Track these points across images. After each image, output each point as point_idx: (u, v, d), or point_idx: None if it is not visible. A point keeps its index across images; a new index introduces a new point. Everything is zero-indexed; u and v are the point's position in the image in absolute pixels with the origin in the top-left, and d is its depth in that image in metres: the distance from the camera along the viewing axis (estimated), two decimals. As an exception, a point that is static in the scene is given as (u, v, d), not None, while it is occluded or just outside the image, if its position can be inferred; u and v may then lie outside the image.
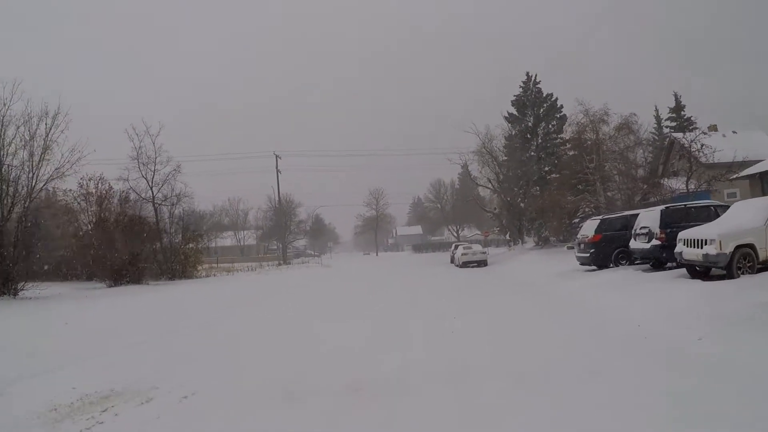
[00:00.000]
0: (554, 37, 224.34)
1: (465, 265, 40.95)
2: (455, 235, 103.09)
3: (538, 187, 52.17)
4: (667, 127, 65.71)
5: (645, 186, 37.92)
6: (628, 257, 21.16)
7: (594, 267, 22.43)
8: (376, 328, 12.77)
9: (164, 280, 37.59)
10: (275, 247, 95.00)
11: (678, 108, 66.66)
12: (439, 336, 11.26)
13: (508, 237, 56.39)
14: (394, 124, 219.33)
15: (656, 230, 17.94)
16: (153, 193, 40.39)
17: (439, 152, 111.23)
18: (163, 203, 40.83)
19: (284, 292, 25.85)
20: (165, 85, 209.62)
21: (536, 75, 56.33)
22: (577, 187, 41.47)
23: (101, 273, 32.87)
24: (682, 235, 15.40)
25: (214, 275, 43.99)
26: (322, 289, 26.75)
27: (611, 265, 21.52)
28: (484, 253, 42.38)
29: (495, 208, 58.26)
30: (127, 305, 21.51)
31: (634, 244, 19.36)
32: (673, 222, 17.81)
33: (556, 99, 54.74)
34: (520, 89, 56.73)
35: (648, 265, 19.60)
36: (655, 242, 17.92)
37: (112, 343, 12.29)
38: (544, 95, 55.48)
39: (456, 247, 48.44)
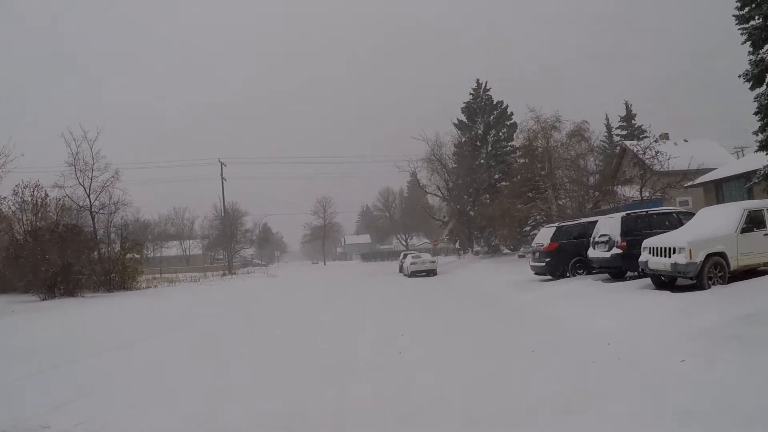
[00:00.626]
0: (505, 51, 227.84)
1: (414, 274, 39.70)
2: (404, 243, 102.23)
3: (487, 195, 51.49)
4: (617, 135, 66.40)
5: (597, 193, 37.42)
6: (586, 267, 20.07)
7: (549, 277, 21.42)
8: (312, 353, 11.10)
9: (102, 291, 35.79)
10: (222, 256, 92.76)
11: (629, 116, 67.22)
12: (387, 360, 9.78)
13: (457, 245, 55.47)
14: (345, 133, 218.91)
15: (617, 238, 16.89)
16: (90, 201, 38.42)
17: (387, 160, 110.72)
18: (101, 212, 38.82)
19: (222, 307, 23.79)
20: (107, 90, 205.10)
21: (486, 82, 55.97)
22: (527, 195, 40.64)
23: (33, 285, 30.99)
24: (648, 243, 14.39)
25: (156, 286, 41.97)
26: (264, 303, 24.91)
27: (568, 275, 20.39)
28: (434, 262, 41.18)
29: (444, 217, 57.30)
30: (46, 322, 19.80)
31: (593, 253, 18.28)
32: (634, 229, 16.87)
33: (507, 106, 54.33)
34: (470, 96, 56.25)
35: (606, 275, 18.69)
36: (615, 251, 16.86)
37: (15, 370, 10.67)
38: (495, 102, 55.05)
39: (405, 256, 47.14)
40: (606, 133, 65.57)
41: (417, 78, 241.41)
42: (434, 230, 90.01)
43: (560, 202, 39.07)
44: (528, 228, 40.47)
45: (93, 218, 38.29)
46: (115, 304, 27.03)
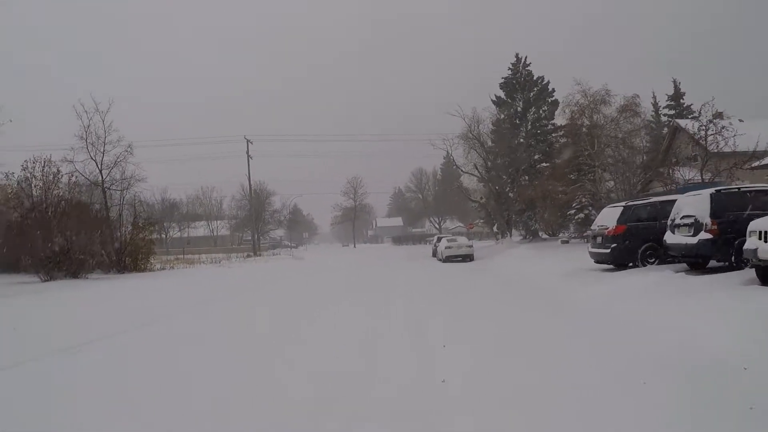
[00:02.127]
0: (548, 25, 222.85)
1: (449, 259, 36.65)
2: (437, 227, 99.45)
3: (527, 177, 48.27)
4: (665, 115, 62.35)
5: (648, 174, 34.29)
6: (658, 255, 16.85)
7: (610, 266, 18.35)
8: (303, 379, 7.39)
9: (114, 273, 33.47)
10: (250, 237, 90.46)
11: (677, 95, 63.17)
12: (422, 397, 6.26)
13: (495, 229, 52.19)
14: (377, 113, 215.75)
15: (706, 220, 13.50)
16: (102, 177, 35.91)
17: (422, 138, 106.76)
18: (112, 188, 36.32)
19: (227, 293, 20.84)
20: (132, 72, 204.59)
21: (526, 57, 52.55)
22: (569, 177, 37.40)
23: (35, 265, 28.74)
24: (757, 225, 11.13)
25: (172, 268, 39.47)
26: (283, 290, 21.73)
27: (635, 265, 17.14)
28: (470, 246, 37.97)
29: (481, 198, 53.97)
30: (28, 307, 17.51)
31: (673, 238, 14.93)
32: (727, 209, 13.58)
33: (548, 82, 51.09)
34: (509, 71, 52.92)
35: (685, 266, 15.52)
36: (704, 235, 13.48)
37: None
38: (535, 78, 51.71)
39: (439, 239, 44.06)
40: (653, 112, 61.65)
41: (454, 54, 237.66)
42: (469, 213, 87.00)
43: (609, 184, 35.98)
44: (572, 212, 37.18)
45: (105, 194, 35.73)
46: (115, 287, 24.48)
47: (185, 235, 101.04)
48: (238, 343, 10.22)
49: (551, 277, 18.84)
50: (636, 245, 17.07)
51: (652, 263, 16.93)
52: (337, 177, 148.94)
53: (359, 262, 44.39)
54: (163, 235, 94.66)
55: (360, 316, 13.10)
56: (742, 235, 12.37)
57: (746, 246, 11.29)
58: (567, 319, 11.08)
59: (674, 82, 64.04)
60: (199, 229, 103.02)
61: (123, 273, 33.63)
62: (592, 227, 19.46)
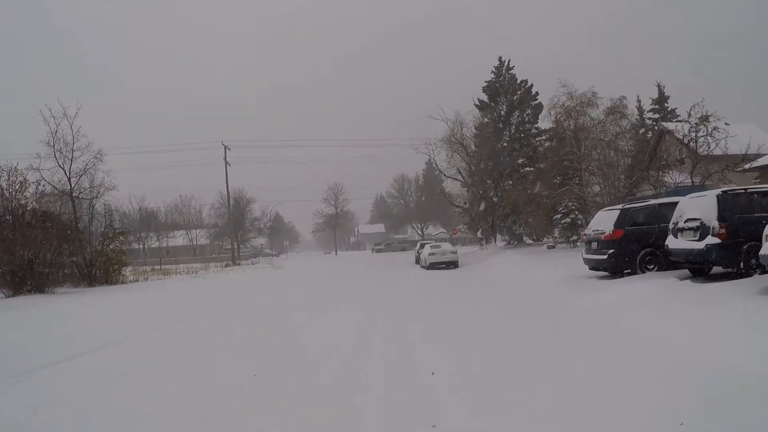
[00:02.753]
0: (532, 29, 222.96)
1: (433, 266, 35.61)
2: (419, 233, 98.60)
3: (510, 181, 47.59)
4: (649, 119, 61.40)
5: (635, 177, 33.50)
6: (657, 261, 15.85)
7: (606, 273, 17.35)
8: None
9: (84, 286, 32.06)
10: (230, 246, 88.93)
11: (661, 99, 62.74)
12: None
13: (479, 235, 51.16)
14: (359, 120, 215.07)
15: (713, 223, 12.49)
16: (71, 185, 34.40)
17: (403, 144, 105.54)
18: (80, 196, 34.70)
19: (191, 310, 18.51)
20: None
21: (509, 60, 52.19)
22: (554, 181, 36.62)
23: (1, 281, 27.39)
24: (775, 229, 10.24)
25: (146, 279, 38.00)
26: (254, 304, 20.31)
27: (633, 271, 16.07)
28: (455, 252, 36.85)
29: (465, 203, 52.98)
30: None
31: (676, 243, 13.87)
32: (734, 211, 12.59)
33: (531, 86, 50.67)
34: (492, 75, 52.32)
35: (687, 273, 14.57)
36: (711, 240, 12.46)
37: None
38: (518, 81, 51.16)
39: (422, 246, 42.83)
40: (638, 116, 60.94)
41: (435, 60, 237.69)
42: (451, 219, 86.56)
43: (595, 188, 35.15)
44: (558, 216, 36.29)
45: (74, 203, 34.24)
46: (73, 304, 22.66)
47: (164, 245, 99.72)
48: (255, 336, 9.36)
49: (545, 285, 17.67)
50: (634, 251, 15.97)
51: (652, 269, 15.88)
52: (319, 184, 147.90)
53: (340, 270, 43.10)
54: (140, 246, 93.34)
55: (351, 328, 12.08)
56: (751, 239, 11.49)
57: (762, 251, 10.32)
58: (569, 334, 9.93)
59: (658, 85, 63.67)
60: (179, 239, 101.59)
61: (93, 286, 32.13)
62: (586, 232, 18.35)
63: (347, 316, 14.67)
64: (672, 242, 14.04)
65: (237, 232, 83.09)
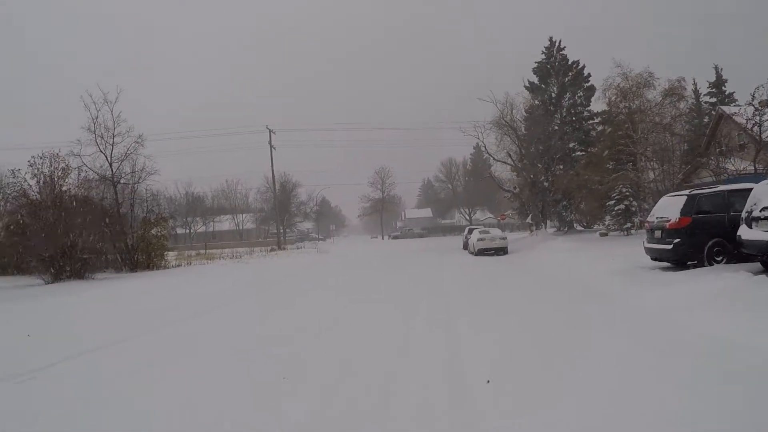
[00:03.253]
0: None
1: (481, 252, 34.48)
2: (467, 218, 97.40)
3: (561, 166, 46.29)
4: (705, 102, 59.09)
5: (692, 163, 32.21)
6: (726, 252, 14.65)
7: (668, 264, 16.24)
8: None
9: (126, 271, 32.12)
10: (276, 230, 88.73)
11: (719, 82, 60.20)
12: None
13: (528, 220, 49.82)
14: (406, 102, 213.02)
15: (801, 211, 11.37)
16: (112, 170, 34.22)
17: (451, 127, 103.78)
18: (121, 181, 34.75)
19: (230, 297, 17.80)
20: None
21: (560, 41, 50.29)
22: (606, 166, 35.17)
23: (37, 266, 27.61)
24: None
25: (188, 264, 37.75)
26: (293, 292, 19.23)
27: (700, 263, 14.83)
28: (504, 239, 35.77)
29: (514, 187, 51.65)
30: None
31: (750, 234, 12.61)
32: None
33: (583, 67, 48.73)
34: (543, 56, 50.59)
35: (755, 265, 13.32)
36: (799, 231, 11.35)
37: None
38: (570, 62, 49.31)
39: (470, 231, 41.83)
40: (694, 100, 58.81)
41: (486, 41, 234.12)
42: (499, 204, 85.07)
43: (652, 173, 33.78)
44: (612, 202, 34.87)
45: (115, 189, 34.02)
46: (111, 290, 22.50)
47: (210, 229, 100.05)
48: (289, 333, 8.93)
49: (601, 276, 16.58)
50: (702, 241, 14.72)
51: (720, 262, 14.66)
52: (365, 168, 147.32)
53: (386, 255, 42.42)
54: (187, 230, 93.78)
55: (380, 331, 10.69)
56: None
57: None
58: (636, 338, 8.74)
59: (716, 68, 61.20)
60: (225, 223, 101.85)
61: (135, 271, 32.29)
62: (648, 219, 16.99)
63: (389, 307, 13.67)
64: (745, 233, 12.80)
65: (283, 217, 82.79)
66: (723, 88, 59.98)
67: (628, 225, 34.78)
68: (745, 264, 13.57)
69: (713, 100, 58.65)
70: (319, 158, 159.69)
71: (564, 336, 9.31)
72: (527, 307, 12.80)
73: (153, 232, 34.51)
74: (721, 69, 60.73)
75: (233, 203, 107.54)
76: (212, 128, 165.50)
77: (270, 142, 59.67)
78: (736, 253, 14.08)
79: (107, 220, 31.45)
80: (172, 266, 35.31)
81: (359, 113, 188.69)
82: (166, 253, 36.24)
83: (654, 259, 16.56)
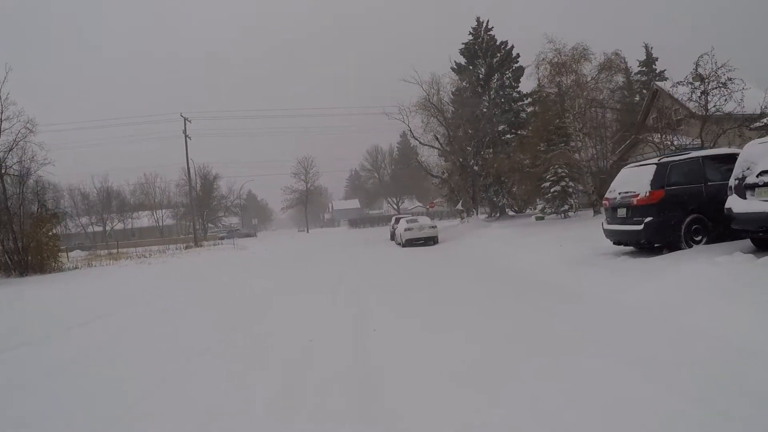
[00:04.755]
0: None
1: (409, 243, 31.53)
2: (395, 207, 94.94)
3: (491, 149, 43.94)
4: (636, 81, 57.89)
5: (630, 139, 31.77)
6: (706, 230, 12.14)
7: (634, 249, 13.70)
8: None
9: (15, 275, 28.20)
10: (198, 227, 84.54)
11: (649, 61, 59.46)
12: None
13: (459, 207, 47.37)
14: (331, 91, 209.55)
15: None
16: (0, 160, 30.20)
17: (376, 112, 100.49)
18: (7, 172, 30.19)
19: (104, 313, 13.19)
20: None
21: (488, 21, 48.39)
22: (538, 147, 33.53)
23: None
24: None
25: (89, 266, 33.89)
26: (188, 299, 15.65)
27: (677, 245, 12.07)
28: (434, 227, 32.88)
29: (443, 173, 49.15)
30: None
31: (743, 205, 9.91)
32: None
33: (512, 47, 47.00)
34: (470, 36, 48.51)
35: (744, 243, 10.82)
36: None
37: None
38: (498, 43, 47.33)
39: (397, 220, 38.90)
40: (624, 79, 57.49)
41: (409, 25, 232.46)
42: (428, 192, 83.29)
43: (592, 150, 31.87)
44: (547, 184, 32.81)
45: (2, 180, 29.96)
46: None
47: (129, 226, 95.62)
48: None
49: (556, 267, 13.58)
50: (678, 218, 11.88)
51: (699, 242, 11.99)
52: (291, 159, 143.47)
53: (308, 249, 39.03)
54: (102, 227, 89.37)
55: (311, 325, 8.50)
56: None
57: None
58: (640, 359, 5.86)
59: (645, 46, 60.84)
60: (144, 219, 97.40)
61: (25, 275, 28.29)
62: (608, 195, 14.00)
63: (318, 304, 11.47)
64: (737, 204, 10.11)
65: (202, 211, 79.20)
66: (653, 66, 59.37)
67: (566, 207, 32.89)
68: (732, 243, 11.07)
69: (644, 78, 57.71)
70: (241, 149, 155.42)
71: (534, 366, 6.12)
72: (474, 318, 9.18)
73: (44, 230, 30.35)
74: (651, 47, 59.98)
75: (152, 198, 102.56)
76: (125, 117, 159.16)
77: (185, 131, 55.58)
78: (717, 231, 11.62)
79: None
80: (69, 269, 31.33)
81: (282, 101, 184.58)
82: (58, 253, 32.19)
83: (617, 243, 13.78)
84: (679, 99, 26.90)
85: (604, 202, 13.96)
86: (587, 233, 17.74)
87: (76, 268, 32.07)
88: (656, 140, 27.59)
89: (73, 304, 16.18)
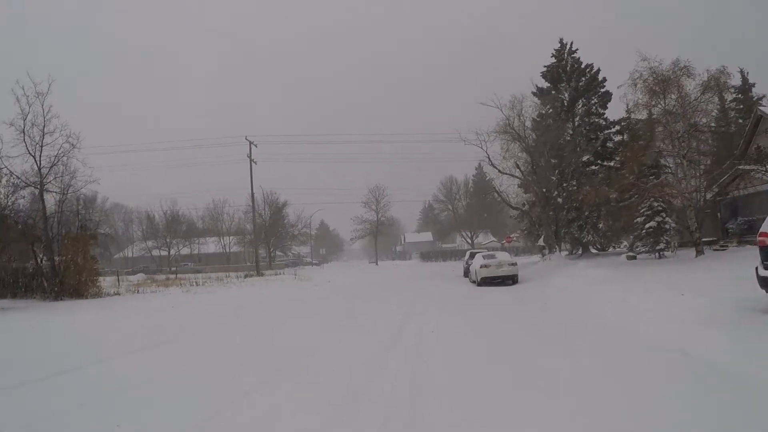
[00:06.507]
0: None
1: (486, 282, 27.97)
2: (469, 241, 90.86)
3: (574, 181, 40.27)
4: (732, 110, 53.04)
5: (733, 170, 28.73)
6: None
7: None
8: None
9: (51, 299, 26.18)
10: (266, 254, 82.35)
11: (745, 87, 54.07)
12: None
13: (541, 242, 43.57)
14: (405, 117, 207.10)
15: None
16: (41, 175, 28.13)
17: (452, 138, 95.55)
18: (46, 188, 28.26)
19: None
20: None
21: (572, 42, 44.44)
22: (628, 179, 29.92)
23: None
24: None
25: (136, 292, 31.33)
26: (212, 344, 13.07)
27: None
28: (514, 264, 29.28)
29: (524, 204, 45.53)
30: None
31: None
32: None
33: (598, 71, 42.77)
34: (552, 59, 44.75)
35: None
36: None
37: None
38: (583, 66, 43.41)
39: (472, 255, 35.41)
40: (719, 106, 52.84)
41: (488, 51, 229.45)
42: (503, 227, 79.98)
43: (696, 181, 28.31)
44: (641, 219, 29.21)
45: (42, 198, 27.82)
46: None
47: (196, 251, 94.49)
48: None
49: (693, 330, 9.70)
50: None
51: None
52: (363, 188, 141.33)
53: (373, 284, 35.91)
54: (166, 252, 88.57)
55: None
56: None
57: None
58: None
59: (741, 71, 55.11)
60: (210, 245, 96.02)
61: (60, 299, 26.29)
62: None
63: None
64: None
65: (269, 239, 77.11)
66: (750, 93, 54.06)
67: (661, 246, 29.08)
68: None
69: (740, 106, 52.70)
70: (313, 177, 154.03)
71: None
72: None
73: (80, 250, 28.05)
74: (747, 72, 54.90)
75: (220, 224, 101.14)
76: (190, 138, 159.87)
77: (250, 155, 53.46)
78: None
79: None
80: (106, 295, 28.83)
81: (354, 127, 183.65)
82: (97, 277, 29.64)
83: None
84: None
85: (761, 238, 10.12)
86: (706, 278, 14.13)
87: (117, 294, 29.52)
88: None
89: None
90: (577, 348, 10.05)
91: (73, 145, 27.92)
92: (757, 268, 10.11)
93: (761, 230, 10.17)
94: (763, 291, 10.03)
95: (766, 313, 9.97)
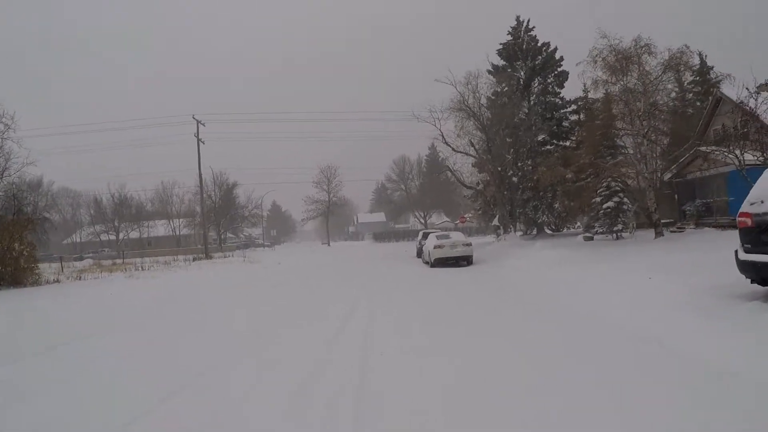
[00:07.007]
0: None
1: (440, 263, 27.00)
2: (422, 222, 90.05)
3: (529, 161, 40.06)
4: (690, 92, 52.96)
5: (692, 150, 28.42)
6: None
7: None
8: None
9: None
10: (216, 236, 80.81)
11: (703, 70, 53.93)
12: None
13: (495, 222, 42.86)
14: (358, 95, 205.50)
15: None
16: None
17: (405, 117, 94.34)
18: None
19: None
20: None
21: (528, 20, 44.03)
22: (583, 160, 30.65)
23: None
24: None
25: (78, 278, 29.52)
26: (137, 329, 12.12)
27: None
28: (469, 245, 28.13)
29: (478, 183, 44.77)
30: None
31: None
32: None
33: (555, 49, 42.60)
34: (509, 36, 44.35)
35: None
36: None
37: None
38: (539, 44, 43.06)
39: (425, 236, 34.46)
40: (677, 89, 52.51)
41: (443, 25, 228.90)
42: (457, 207, 79.50)
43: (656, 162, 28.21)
44: (598, 199, 28.73)
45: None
46: None
47: (145, 235, 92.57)
48: None
49: (668, 318, 8.78)
50: None
51: None
52: (314, 168, 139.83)
53: (323, 265, 35.10)
54: (114, 236, 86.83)
55: None
56: None
57: None
58: None
59: (700, 54, 55.02)
60: (160, 228, 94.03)
61: (-1, 289, 24.58)
62: (749, 210, 9.01)
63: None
64: None
65: (219, 220, 75.65)
66: (709, 76, 54.04)
67: (619, 226, 28.95)
68: None
69: (698, 89, 52.74)
70: (262, 157, 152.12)
71: None
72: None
73: (16, 235, 26.21)
74: (706, 56, 54.87)
75: (169, 206, 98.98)
76: (133, 119, 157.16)
77: (197, 135, 51.61)
78: None
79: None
80: (47, 282, 27.19)
81: (305, 106, 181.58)
82: (35, 264, 27.84)
83: (764, 282, 8.92)
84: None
85: (742, 219, 9.15)
86: (671, 260, 13.43)
87: (57, 281, 27.88)
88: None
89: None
90: (536, 334, 8.91)
91: (7, 125, 26.37)
92: (736, 252, 9.15)
93: (741, 210, 9.20)
94: (744, 275, 9.14)
95: (744, 299, 9.03)
